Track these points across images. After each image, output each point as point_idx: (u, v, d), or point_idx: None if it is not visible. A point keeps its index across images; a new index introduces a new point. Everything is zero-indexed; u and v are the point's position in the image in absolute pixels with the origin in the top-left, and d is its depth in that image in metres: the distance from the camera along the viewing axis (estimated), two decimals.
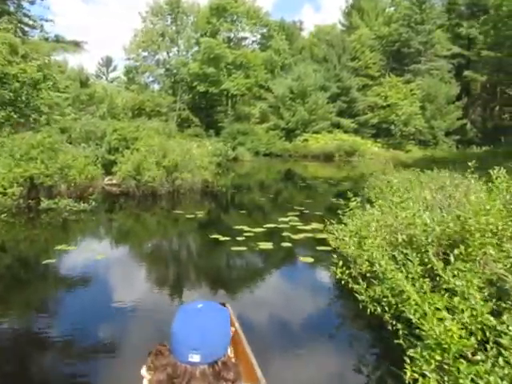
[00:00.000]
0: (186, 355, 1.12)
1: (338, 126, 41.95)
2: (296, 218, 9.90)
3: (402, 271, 3.69)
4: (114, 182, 14.91)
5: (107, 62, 69.67)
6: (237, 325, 2.80)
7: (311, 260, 6.82)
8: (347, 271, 4.35)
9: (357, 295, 3.99)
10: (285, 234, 8.44)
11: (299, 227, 9.03)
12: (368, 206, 6.33)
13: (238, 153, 32.04)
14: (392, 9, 47.53)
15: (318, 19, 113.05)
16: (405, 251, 4.00)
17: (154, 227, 10.11)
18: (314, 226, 9.13)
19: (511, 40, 36.14)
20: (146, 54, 44.01)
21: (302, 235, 8.29)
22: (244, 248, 7.39)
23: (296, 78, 40.71)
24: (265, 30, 47.17)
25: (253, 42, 47.54)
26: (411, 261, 3.71)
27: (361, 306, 3.87)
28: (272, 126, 41.27)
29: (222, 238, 7.99)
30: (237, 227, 8.92)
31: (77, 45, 28.66)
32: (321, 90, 40.74)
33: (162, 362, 1.19)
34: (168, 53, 45.15)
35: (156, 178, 12.99)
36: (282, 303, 5.29)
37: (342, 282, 4.25)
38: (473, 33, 40.91)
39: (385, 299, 3.83)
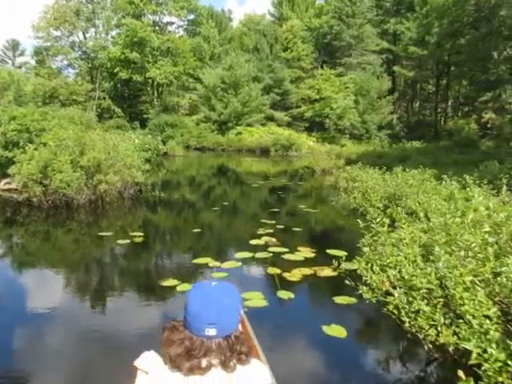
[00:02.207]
0: (202, 329, 1.14)
1: (271, 119, 39.86)
2: (273, 240, 7.19)
3: None
4: (14, 186, 11.16)
5: (13, 46, 61.27)
6: (241, 312, 1.95)
7: (342, 333, 4.12)
8: None
9: None
10: (271, 270, 5.71)
11: (285, 256, 6.35)
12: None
13: (168, 147, 28.46)
14: (322, 1, 46.41)
15: (243, 10, 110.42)
16: None
17: (65, 265, 6.84)
18: (303, 252, 6.53)
19: (435, 37, 36.56)
20: (58, 33, 38.32)
21: (297, 273, 5.62)
22: None
23: (228, 68, 37.78)
24: (193, 16, 43.53)
25: (179, 27, 43.70)
26: None
27: None
28: (203, 118, 38.02)
29: (182, 288, 5.03)
30: (199, 261, 6.00)
31: None
32: (254, 80, 38.30)
33: (179, 337, 1.17)
34: (84, 34, 39.80)
35: (71, 182, 9.53)
36: None
37: None
38: (399, 29, 40.89)
39: None
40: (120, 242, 6.99)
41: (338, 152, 28.33)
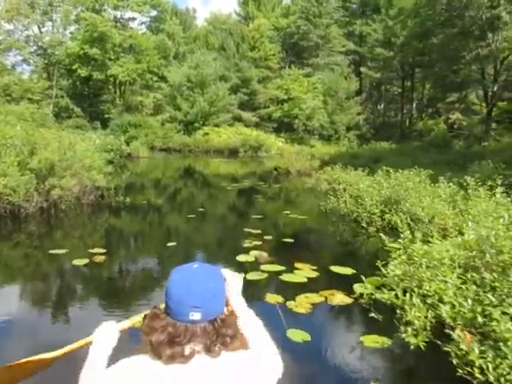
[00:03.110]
0: (186, 314, 1.07)
1: (239, 119, 38.65)
2: (264, 255, 6.00)
3: None
4: None
5: None
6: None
7: None
8: None
9: None
10: (270, 298, 4.52)
11: (283, 277, 5.18)
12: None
13: (132, 148, 26.66)
14: (289, 1, 45.71)
15: (207, 10, 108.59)
16: None
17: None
18: (303, 270, 5.40)
19: (401, 39, 36.55)
20: (11, 27, 35.50)
21: (303, 301, 4.46)
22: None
23: (194, 66, 36.26)
24: (156, 12, 41.70)
25: (142, 23, 41.75)
26: None
27: None
28: (168, 118, 36.28)
29: None
30: None
31: None
32: (221, 80, 36.97)
33: (161, 324, 1.09)
34: (40, 28, 37.14)
35: (18, 188, 7.96)
36: None
37: None
38: (365, 30, 40.75)
39: None
40: (76, 262, 5.59)
41: (310, 153, 27.50)
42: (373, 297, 4.53)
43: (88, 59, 35.83)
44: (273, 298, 4.51)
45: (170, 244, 6.57)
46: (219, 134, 35.15)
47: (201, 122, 35.36)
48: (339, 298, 4.52)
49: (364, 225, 7.99)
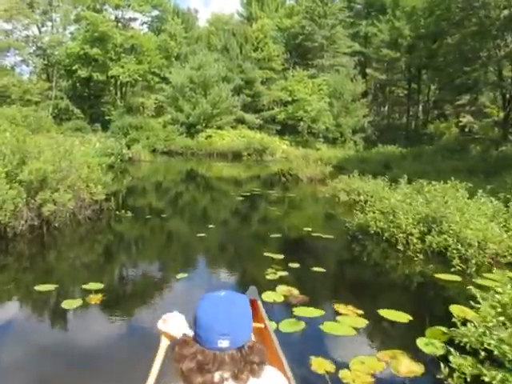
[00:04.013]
0: (214, 341, 1.08)
1: (242, 121, 37.55)
2: (295, 293, 4.94)
3: None
4: None
5: None
6: (266, 322, 2.63)
7: None
8: None
9: None
10: (316, 364, 3.43)
11: (324, 327, 4.10)
12: None
13: (133, 151, 25.58)
14: (293, 1, 44.69)
15: (208, 11, 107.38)
16: None
17: None
18: (348, 316, 4.33)
19: (408, 40, 35.55)
20: (9, 27, 34.48)
21: (360, 369, 3.37)
22: None
23: (196, 67, 35.18)
24: (157, 12, 40.68)
25: (144, 23, 40.70)
26: None
27: None
28: (170, 120, 35.20)
29: None
30: None
31: None
32: (223, 81, 35.90)
33: (191, 351, 1.10)
34: (39, 28, 36.09)
35: (4, 204, 6.90)
36: None
37: None
38: (371, 31, 39.76)
39: None
40: (66, 304, 4.50)
41: (317, 157, 26.44)
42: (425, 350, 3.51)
43: (88, 60, 34.81)
44: (319, 365, 3.43)
45: (179, 276, 5.47)
46: (222, 137, 34.05)
47: (203, 124, 34.25)
48: (406, 366, 3.45)
49: (400, 247, 6.92)
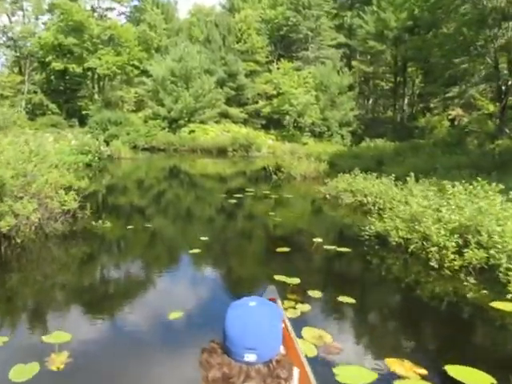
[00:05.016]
0: (241, 355, 1.03)
1: (226, 115, 36.12)
2: (327, 338, 3.72)
3: None
4: None
5: None
6: (287, 322, 2.59)
7: None
8: None
9: None
10: None
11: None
12: None
13: (113, 148, 23.92)
14: None
15: (188, 2, 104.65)
16: None
17: None
18: (407, 379, 3.13)
19: (394, 32, 34.66)
20: None
21: None
22: None
23: (178, 59, 33.54)
24: (136, 2, 38.79)
25: (122, 14, 38.74)
26: None
27: None
28: (151, 114, 33.53)
29: None
30: None
31: None
32: (206, 73, 34.36)
33: (218, 361, 1.07)
34: (10, 17, 33.81)
35: None
36: None
37: None
38: (356, 23, 38.67)
39: None
40: (15, 373, 3.17)
41: (305, 152, 25.34)
42: None
43: (63, 51, 32.81)
44: None
45: (172, 315, 4.18)
46: (206, 132, 32.57)
47: (186, 119, 32.69)
48: None
49: (433, 263, 5.78)
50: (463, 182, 7.80)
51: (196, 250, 6.45)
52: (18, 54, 34.48)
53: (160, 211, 10.93)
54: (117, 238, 7.69)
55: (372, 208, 9.54)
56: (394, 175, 10.90)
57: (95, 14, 35.50)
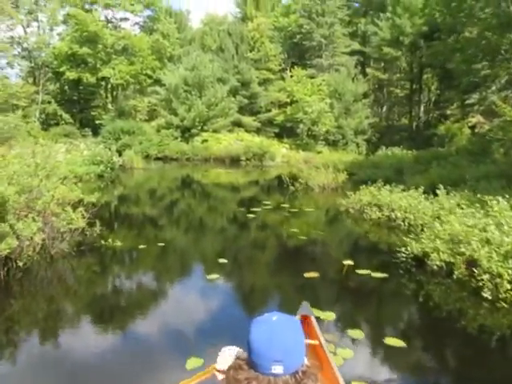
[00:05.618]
0: (268, 367, 1.05)
1: (239, 124, 35.61)
2: None
3: None
4: None
5: None
6: (321, 339, 2.51)
7: None
8: None
9: None
10: None
11: None
12: None
13: (125, 158, 23.50)
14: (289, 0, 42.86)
15: (200, 13, 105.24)
16: None
17: None
18: None
19: (409, 38, 33.94)
20: None
21: None
22: None
23: (191, 68, 33.21)
24: (150, 12, 38.66)
25: (136, 24, 38.60)
26: None
27: None
28: (164, 123, 33.16)
29: None
30: None
31: None
32: (219, 82, 33.95)
33: (245, 376, 1.09)
34: (25, 28, 33.88)
35: None
36: None
37: None
38: (370, 30, 38.00)
39: None
40: None
41: (321, 161, 24.57)
42: None
43: (77, 61, 32.70)
44: None
45: (190, 362, 3.52)
46: (219, 141, 32.07)
47: (199, 128, 32.25)
48: None
49: (487, 295, 5.02)
50: (506, 196, 7.08)
51: (215, 276, 5.77)
52: (32, 65, 34.49)
53: (173, 226, 10.31)
54: (127, 260, 7.08)
55: (401, 224, 8.83)
56: (422, 187, 10.19)
57: (109, 25, 35.40)
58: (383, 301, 5.27)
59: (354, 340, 3.93)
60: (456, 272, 5.65)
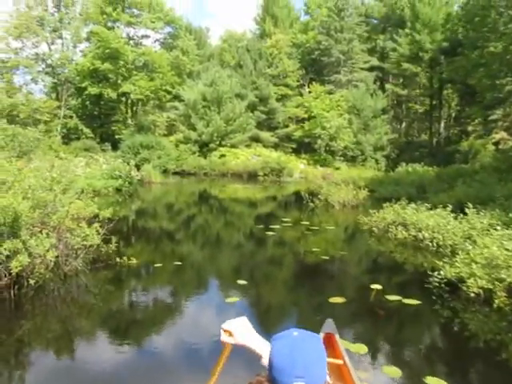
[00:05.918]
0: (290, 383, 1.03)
1: (257, 139, 35.51)
2: None
3: None
4: None
5: None
6: (346, 358, 2.44)
7: None
8: None
9: None
10: None
11: None
12: None
13: (144, 172, 23.51)
14: (307, 16, 43.03)
15: (219, 30, 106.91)
16: None
17: None
18: None
19: (429, 54, 33.54)
20: (19, 44, 33.11)
21: None
22: None
23: (209, 84, 33.41)
24: (170, 29, 39.26)
25: (156, 41, 39.21)
26: None
27: None
28: (182, 138, 33.29)
29: None
30: None
31: None
32: (237, 97, 34.04)
33: None
34: (49, 46, 34.72)
35: None
36: None
37: None
38: (389, 46, 37.72)
39: None
40: None
41: (339, 177, 24.08)
42: None
43: (99, 77, 33.28)
44: None
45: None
46: (236, 156, 31.97)
47: (217, 143, 32.26)
48: None
49: None
50: None
51: (233, 299, 5.40)
52: (55, 81, 35.23)
53: (190, 242, 10.01)
54: (142, 280, 6.77)
55: (429, 244, 8.34)
56: (449, 205, 9.69)
57: (131, 42, 36.03)
58: (418, 332, 4.81)
59: (391, 379, 3.50)
60: (496, 300, 5.17)
